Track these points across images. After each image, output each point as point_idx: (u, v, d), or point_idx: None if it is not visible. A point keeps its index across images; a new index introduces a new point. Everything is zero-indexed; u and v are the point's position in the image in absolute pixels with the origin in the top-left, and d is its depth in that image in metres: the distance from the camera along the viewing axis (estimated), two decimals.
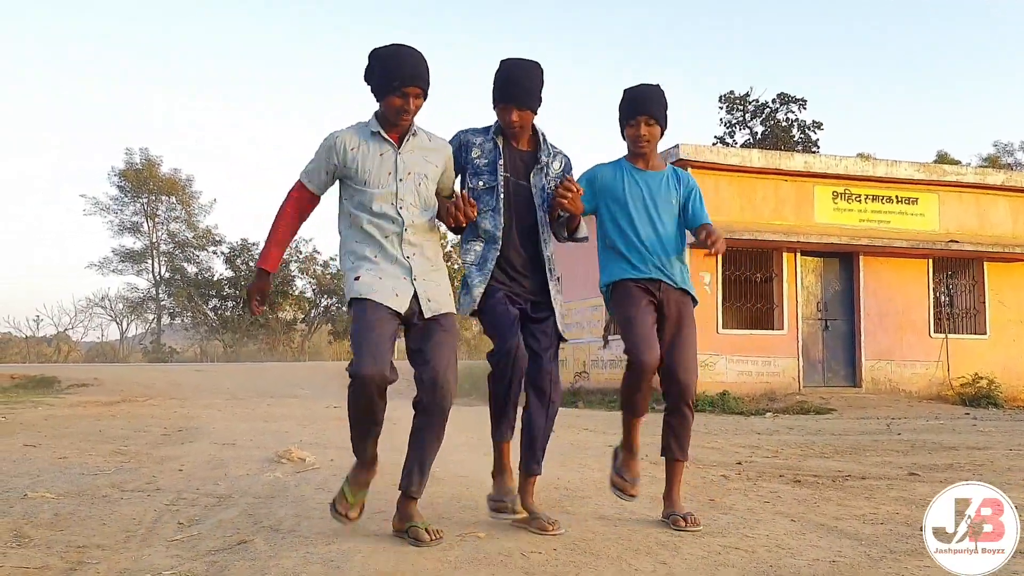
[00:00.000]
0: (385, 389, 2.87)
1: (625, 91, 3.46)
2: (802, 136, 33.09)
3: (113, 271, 39.49)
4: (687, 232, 3.50)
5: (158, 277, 39.26)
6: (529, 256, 3.33)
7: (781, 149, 27.67)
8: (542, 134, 3.39)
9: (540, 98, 3.30)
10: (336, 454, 5.11)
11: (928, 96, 68.66)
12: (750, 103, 33.81)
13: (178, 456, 5.17)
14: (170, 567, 2.51)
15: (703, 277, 12.38)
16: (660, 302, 3.34)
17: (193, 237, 39.68)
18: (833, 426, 8.63)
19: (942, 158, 32.95)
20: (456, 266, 26.32)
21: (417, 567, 2.53)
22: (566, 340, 3.39)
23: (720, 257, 12.40)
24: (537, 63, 3.31)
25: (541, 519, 3.12)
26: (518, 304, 3.27)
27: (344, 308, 3.19)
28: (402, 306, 2.96)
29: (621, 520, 3.29)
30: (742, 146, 31.85)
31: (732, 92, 34.04)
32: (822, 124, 33.35)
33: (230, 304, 38.60)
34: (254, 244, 38.38)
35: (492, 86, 3.28)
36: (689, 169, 12.30)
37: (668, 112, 3.45)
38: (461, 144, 3.33)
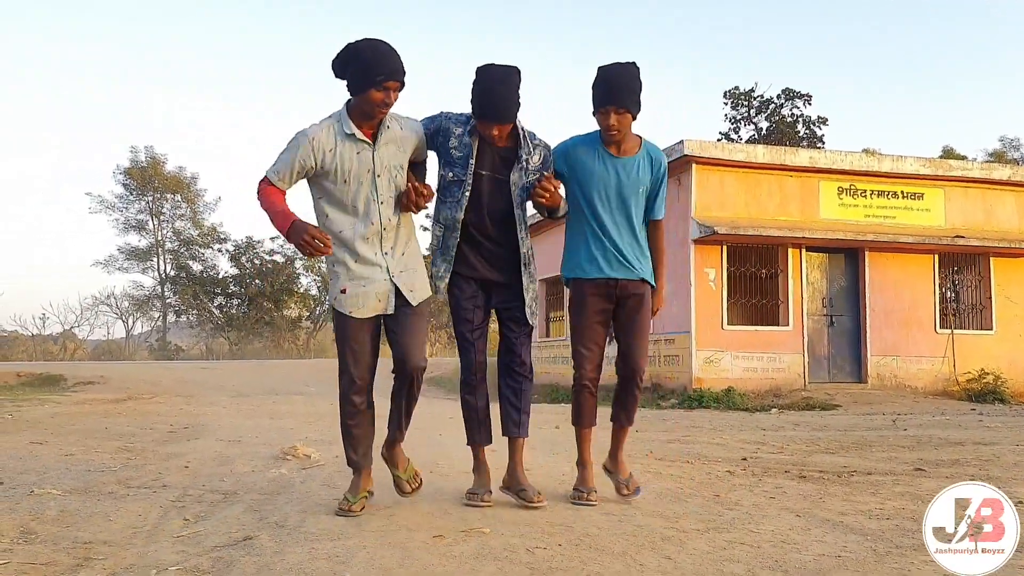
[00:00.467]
0: (369, 395, 3.27)
1: (598, 70, 3.43)
2: (807, 132, 32.98)
3: (119, 269, 39.63)
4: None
5: (163, 275, 39.34)
6: (505, 248, 3.43)
7: (786, 145, 27.56)
8: (522, 129, 3.38)
9: (519, 104, 3.30)
10: (341, 451, 5.10)
11: (933, 91, 68.46)
12: (755, 99, 33.71)
13: (184, 453, 5.19)
14: (176, 563, 2.52)
15: (708, 273, 12.37)
16: (618, 298, 3.52)
17: (198, 235, 39.73)
18: (838, 422, 8.60)
19: (948, 153, 32.79)
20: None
21: (422, 563, 2.53)
22: (533, 327, 3.57)
23: (725, 253, 12.45)
24: (515, 69, 3.29)
25: (528, 491, 3.35)
26: (487, 291, 3.45)
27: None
28: (388, 309, 3.18)
29: (626, 515, 3.29)
30: (747, 142, 31.75)
31: (737, 88, 33.94)
32: (827, 120, 33.24)
33: (235, 302, 38.67)
34: (259, 242, 38.47)
35: (471, 95, 3.26)
36: (694, 165, 12.30)
37: (640, 95, 3.42)
38: (440, 128, 3.37)
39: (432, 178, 3.44)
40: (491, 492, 3.45)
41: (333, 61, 3.08)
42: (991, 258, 13.69)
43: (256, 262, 38.41)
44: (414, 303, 3.19)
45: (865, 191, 13.27)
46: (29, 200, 64.64)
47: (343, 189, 3.11)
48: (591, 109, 3.45)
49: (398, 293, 3.18)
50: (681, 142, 12.30)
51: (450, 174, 3.36)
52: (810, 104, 33.18)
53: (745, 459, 5.17)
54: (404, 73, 3.05)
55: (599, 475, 3.65)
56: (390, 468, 3.40)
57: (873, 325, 13.01)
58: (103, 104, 66.12)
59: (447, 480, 3.98)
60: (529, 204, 3.47)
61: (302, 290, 39.55)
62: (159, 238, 39.45)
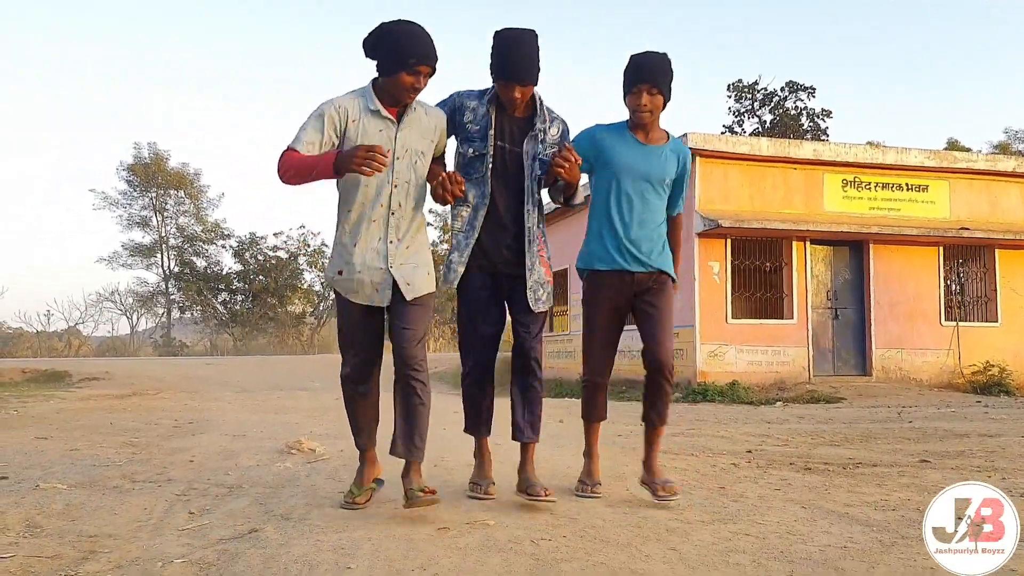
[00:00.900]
0: (366, 383, 3.22)
1: (631, 57, 3.39)
2: (811, 124, 32.92)
3: (123, 265, 39.73)
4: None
5: (167, 271, 39.40)
6: (514, 223, 3.33)
7: (790, 137, 27.51)
8: (539, 99, 3.33)
9: (540, 67, 3.25)
10: (346, 445, 5.10)
11: (938, 83, 68.21)
12: (759, 91, 33.65)
13: (189, 447, 5.19)
14: (181, 555, 2.52)
15: (712, 267, 12.34)
16: (636, 292, 3.42)
17: (202, 231, 39.78)
18: (843, 415, 8.59)
19: (952, 145, 32.68)
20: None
21: (427, 555, 2.53)
22: (543, 314, 3.45)
23: (730, 247, 12.42)
24: (533, 32, 3.24)
25: (536, 486, 3.25)
26: (500, 281, 3.33)
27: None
28: (384, 300, 3.09)
29: (631, 507, 3.28)
30: (751, 134, 31.69)
31: (741, 80, 33.92)
32: (831, 112, 33.20)
33: (239, 298, 38.75)
34: (262, 238, 38.54)
35: (490, 59, 3.22)
36: (698, 159, 12.26)
37: (672, 82, 3.38)
38: (455, 107, 3.32)
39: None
40: (494, 483, 3.41)
41: (365, 40, 3.01)
42: (996, 250, 13.64)
43: (260, 258, 38.47)
44: (408, 297, 3.07)
45: (869, 183, 13.23)
46: (29, 200, 64.87)
47: None
48: (621, 95, 3.37)
49: (396, 286, 3.09)
50: (685, 135, 12.26)
51: (470, 150, 3.28)
52: (814, 97, 33.17)
53: (750, 452, 5.17)
54: (436, 58, 3.00)
55: (604, 471, 3.65)
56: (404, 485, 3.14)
57: (878, 318, 12.98)
58: (103, 104, 66.31)
59: (452, 474, 3.98)
60: (544, 192, 3.39)
61: (306, 286, 39.62)
62: (163, 234, 39.52)
